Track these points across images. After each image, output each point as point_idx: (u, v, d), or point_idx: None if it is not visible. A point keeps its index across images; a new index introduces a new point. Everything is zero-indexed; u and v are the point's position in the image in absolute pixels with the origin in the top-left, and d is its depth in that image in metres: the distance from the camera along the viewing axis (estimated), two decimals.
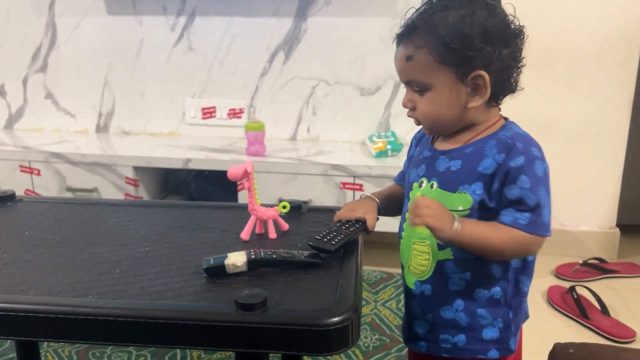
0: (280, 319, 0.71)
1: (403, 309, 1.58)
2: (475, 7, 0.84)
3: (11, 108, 2.42)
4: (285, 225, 1.02)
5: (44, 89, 2.37)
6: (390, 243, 1.65)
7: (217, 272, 0.83)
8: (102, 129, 2.37)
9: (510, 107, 0.95)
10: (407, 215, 0.93)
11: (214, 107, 2.28)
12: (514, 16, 0.88)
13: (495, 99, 0.89)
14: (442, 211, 0.85)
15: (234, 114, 2.28)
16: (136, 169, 2.00)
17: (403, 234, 0.98)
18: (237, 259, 0.84)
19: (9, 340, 1.54)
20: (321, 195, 1.91)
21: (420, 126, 0.97)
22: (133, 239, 0.98)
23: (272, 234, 1.00)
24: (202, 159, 1.99)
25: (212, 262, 0.84)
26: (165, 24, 2.21)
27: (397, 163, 1.90)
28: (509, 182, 0.85)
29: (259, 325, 0.71)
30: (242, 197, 1.97)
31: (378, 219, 1.01)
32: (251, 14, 2.16)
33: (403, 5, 2.03)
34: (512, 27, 0.87)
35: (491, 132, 0.89)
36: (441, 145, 0.95)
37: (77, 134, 2.36)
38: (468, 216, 0.88)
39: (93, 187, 2.02)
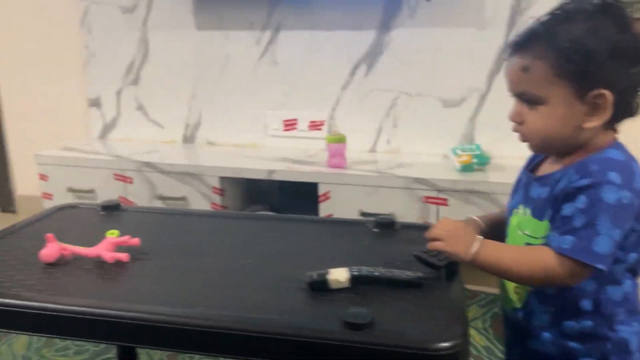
0: (388, 340, 0.70)
1: (490, 330, 1.54)
2: (604, 21, 0.79)
3: (105, 119, 2.57)
4: (123, 256, 0.95)
5: (136, 101, 2.50)
6: None
7: (320, 287, 0.84)
8: (188, 139, 2.47)
9: None
10: (507, 240, 0.92)
11: (295, 120, 2.32)
12: None
13: (613, 121, 0.83)
14: (457, 235, 0.83)
15: (315, 125, 2.30)
16: (222, 179, 2.06)
17: None
18: (340, 275, 0.84)
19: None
20: (403, 209, 1.89)
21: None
22: (232, 251, 1.01)
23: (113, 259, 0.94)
24: (285, 170, 2.02)
25: (315, 277, 0.85)
26: (251, 38, 2.28)
27: (482, 177, 1.85)
28: (567, 201, 0.80)
29: (366, 345, 0.70)
30: (324, 209, 1.98)
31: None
32: (334, 27, 2.18)
33: (490, 16, 1.99)
34: (636, 40, 0.80)
35: (586, 156, 0.83)
36: (543, 170, 0.91)
37: (165, 144, 2.47)
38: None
39: (182, 196, 2.11)
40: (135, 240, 0.99)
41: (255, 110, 2.36)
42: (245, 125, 2.38)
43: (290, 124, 2.33)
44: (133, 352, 1.36)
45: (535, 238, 0.86)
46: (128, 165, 2.17)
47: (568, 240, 0.78)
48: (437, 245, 0.84)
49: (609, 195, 0.78)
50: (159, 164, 2.13)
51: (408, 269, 0.89)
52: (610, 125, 0.84)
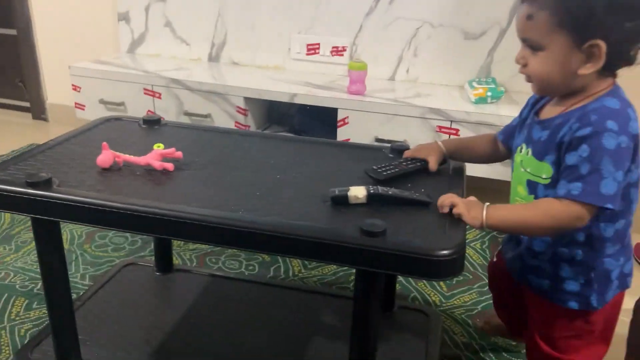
0: (398, 246, 0.84)
1: (487, 250, 1.72)
2: None
3: (134, 34, 2.64)
4: (168, 165, 1.08)
5: (164, 18, 2.56)
6: (484, 187, 1.74)
7: (341, 202, 0.97)
8: (213, 58, 2.55)
9: None
10: (513, 174, 1.06)
11: (318, 44, 2.38)
12: None
13: (609, 69, 0.91)
14: (471, 205, 0.92)
15: (337, 51, 2.36)
16: (246, 99, 2.17)
17: (511, 190, 1.08)
18: (358, 192, 0.97)
19: (140, 239, 1.80)
20: (416, 137, 1.99)
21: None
22: (265, 167, 1.14)
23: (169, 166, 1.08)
24: (306, 95, 2.12)
25: (337, 192, 0.98)
26: None
27: (495, 110, 1.94)
28: (571, 150, 0.89)
29: (379, 249, 0.84)
30: (341, 133, 2.09)
31: (445, 162, 1.15)
32: None
33: None
34: None
35: (586, 102, 0.92)
36: (545, 112, 1.01)
37: (191, 61, 2.55)
38: (548, 187, 0.96)
39: (207, 113, 2.22)
40: (179, 154, 1.12)
41: (280, 33, 2.41)
42: (269, 47, 2.44)
43: (313, 49, 2.40)
44: (169, 250, 1.54)
45: (536, 176, 0.98)
46: (157, 81, 2.27)
47: (577, 187, 0.87)
48: (456, 212, 0.92)
49: (609, 142, 0.87)
50: (186, 81, 2.22)
51: (418, 190, 1.03)
52: (608, 72, 0.92)
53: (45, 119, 3.05)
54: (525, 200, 1.02)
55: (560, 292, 1.03)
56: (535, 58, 0.94)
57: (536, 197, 0.99)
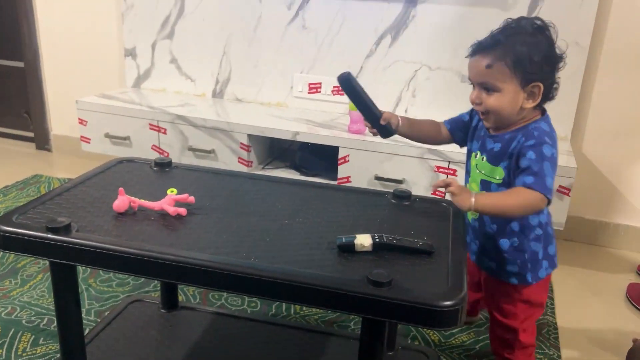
0: (404, 296, 0.89)
1: None
2: (541, 36, 1.18)
3: (140, 69, 2.71)
4: (182, 211, 1.14)
5: (170, 54, 2.63)
6: None
7: (347, 249, 1.02)
8: (217, 94, 2.62)
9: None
10: (470, 175, 1.35)
11: (319, 83, 2.46)
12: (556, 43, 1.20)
13: (540, 104, 1.23)
14: (461, 193, 1.15)
15: (338, 90, 2.44)
16: (250, 136, 2.23)
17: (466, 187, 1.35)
18: (364, 241, 1.02)
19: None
20: (415, 176, 2.05)
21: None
22: (272, 211, 1.19)
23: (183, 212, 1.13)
24: (308, 133, 2.18)
25: (344, 240, 1.03)
26: (283, 3, 2.38)
27: None
28: (522, 156, 1.18)
29: (386, 299, 0.89)
30: (342, 171, 2.15)
31: (397, 127, 1.41)
32: None
33: None
34: (558, 52, 1.20)
35: (525, 124, 1.23)
36: (492, 130, 1.29)
37: (196, 97, 2.62)
38: (500, 185, 1.25)
39: (211, 149, 2.28)
40: (191, 199, 1.17)
41: (283, 72, 2.49)
42: (272, 85, 2.52)
43: (314, 87, 2.47)
44: (175, 288, 1.58)
45: (490, 177, 1.27)
46: (162, 116, 2.33)
47: (531, 179, 1.14)
48: (449, 190, 1.15)
49: (548, 151, 1.17)
50: (191, 117, 2.28)
51: (421, 238, 1.08)
52: (539, 106, 1.24)
53: (48, 149, 3.10)
54: None
55: (504, 272, 1.32)
56: (490, 97, 1.21)
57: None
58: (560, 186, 1.91)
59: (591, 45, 2.09)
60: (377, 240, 1.03)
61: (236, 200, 1.25)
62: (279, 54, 2.46)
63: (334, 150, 2.15)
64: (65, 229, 1.02)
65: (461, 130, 1.41)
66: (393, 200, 1.28)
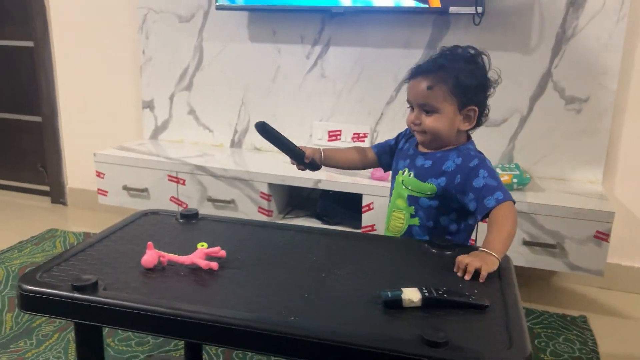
0: (463, 357, 0.81)
1: None
2: (477, 63, 1.27)
3: (157, 121, 2.70)
4: (213, 265, 1.07)
5: (188, 105, 2.63)
6: None
7: (394, 305, 0.95)
8: (236, 144, 2.60)
9: None
10: (393, 191, 1.38)
11: (339, 131, 2.43)
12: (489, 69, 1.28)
13: (474, 127, 1.31)
14: (480, 256, 1.09)
15: (358, 137, 2.41)
16: (270, 185, 2.18)
17: (390, 203, 1.40)
18: (413, 296, 0.95)
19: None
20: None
21: (406, 129, 1.38)
22: (307, 264, 1.12)
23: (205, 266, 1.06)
24: (330, 181, 2.13)
25: (390, 295, 0.95)
26: (302, 52, 2.39)
27: (523, 197, 1.93)
28: (474, 177, 1.23)
29: None
30: (367, 218, 2.09)
31: (321, 160, 1.44)
32: (383, 45, 2.28)
33: (535, 42, 2.07)
34: (491, 79, 1.28)
35: (456, 146, 1.30)
36: (423, 147, 1.34)
37: (214, 147, 2.60)
38: (433, 199, 1.29)
39: (231, 199, 2.23)
40: (223, 253, 1.11)
41: (301, 120, 2.47)
42: (291, 133, 2.45)
43: (334, 135, 2.44)
44: (200, 347, 1.49)
45: (418, 192, 1.31)
46: (181, 167, 2.29)
47: (499, 194, 1.20)
48: (474, 267, 1.06)
49: (490, 165, 1.26)
50: (211, 167, 2.25)
51: (470, 291, 1.00)
52: (473, 129, 1.32)
53: (64, 203, 3.07)
54: (405, 209, 1.34)
55: None
56: (429, 118, 1.27)
57: (416, 208, 1.32)
58: (597, 232, 1.83)
59: (618, 88, 2.06)
60: (427, 294, 0.95)
61: (267, 252, 1.18)
62: (297, 103, 2.45)
63: (357, 197, 2.10)
64: (92, 288, 0.96)
65: (387, 154, 1.47)
66: (433, 250, 1.21)
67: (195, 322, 0.89)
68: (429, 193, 1.30)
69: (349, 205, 2.19)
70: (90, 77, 2.81)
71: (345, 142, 2.43)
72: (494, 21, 2.11)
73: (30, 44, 2.91)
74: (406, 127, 1.38)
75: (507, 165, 2.13)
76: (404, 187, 1.35)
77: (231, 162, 2.36)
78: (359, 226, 2.11)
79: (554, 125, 2.14)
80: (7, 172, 3.23)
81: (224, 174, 2.23)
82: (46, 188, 3.12)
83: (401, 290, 0.96)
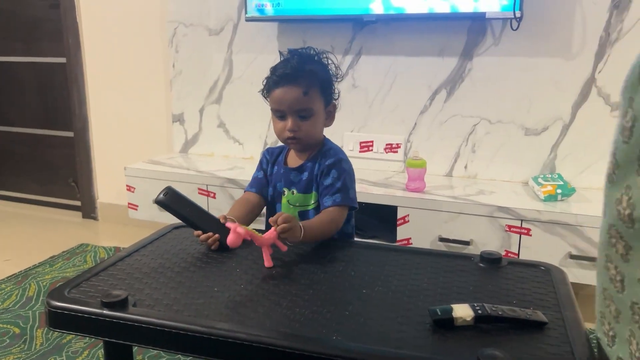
0: None
1: None
2: (326, 62, 1.32)
3: (187, 134, 2.68)
4: (284, 247, 1.14)
5: (217, 119, 2.61)
6: None
7: (444, 324, 0.87)
8: None
9: None
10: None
11: (371, 142, 2.37)
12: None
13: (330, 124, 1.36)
14: (293, 229, 1.13)
15: (391, 148, 2.34)
16: None
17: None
18: (464, 313, 0.87)
19: None
20: (484, 236, 1.89)
21: (262, 156, 1.41)
22: (347, 279, 1.05)
23: (268, 262, 1.09)
24: (362, 192, 2.06)
25: (439, 313, 0.88)
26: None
27: (567, 209, 1.83)
28: (325, 175, 1.29)
29: None
30: (402, 232, 2.01)
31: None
32: (416, 53, 2.22)
33: (578, 47, 1.98)
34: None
35: (320, 148, 1.34)
36: (292, 162, 1.36)
37: (244, 160, 2.56)
38: (315, 209, 1.31)
39: (262, 212, 2.17)
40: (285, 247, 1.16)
41: (332, 131, 2.39)
42: None
43: (366, 146, 2.38)
44: None
45: (305, 206, 1.33)
46: (212, 181, 2.26)
47: (338, 197, 1.26)
48: (282, 227, 1.12)
49: (347, 166, 1.32)
50: (241, 180, 2.21)
51: (525, 307, 0.92)
52: (328, 126, 1.36)
53: (94, 218, 3.07)
54: None
55: None
56: (306, 123, 1.27)
57: None
58: None
59: None
60: (480, 312, 0.88)
61: (304, 266, 1.12)
62: None
63: (391, 210, 2.02)
64: (122, 304, 0.91)
65: (265, 187, 1.40)
66: (481, 264, 1.13)
67: (231, 342, 0.83)
68: (312, 203, 1.32)
69: (382, 218, 2.12)
70: (120, 91, 2.82)
71: (377, 152, 2.36)
72: (533, 26, 2.03)
73: (62, 60, 2.94)
74: (260, 154, 1.43)
75: (550, 176, 2.03)
76: (291, 206, 1.34)
77: None
78: (394, 239, 2.03)
79: (599, 133, 2.04)
80: (39, 187, 3.25)
81: None
82: (77, 203, 3.13)
83: (451, 307, 0.89)
